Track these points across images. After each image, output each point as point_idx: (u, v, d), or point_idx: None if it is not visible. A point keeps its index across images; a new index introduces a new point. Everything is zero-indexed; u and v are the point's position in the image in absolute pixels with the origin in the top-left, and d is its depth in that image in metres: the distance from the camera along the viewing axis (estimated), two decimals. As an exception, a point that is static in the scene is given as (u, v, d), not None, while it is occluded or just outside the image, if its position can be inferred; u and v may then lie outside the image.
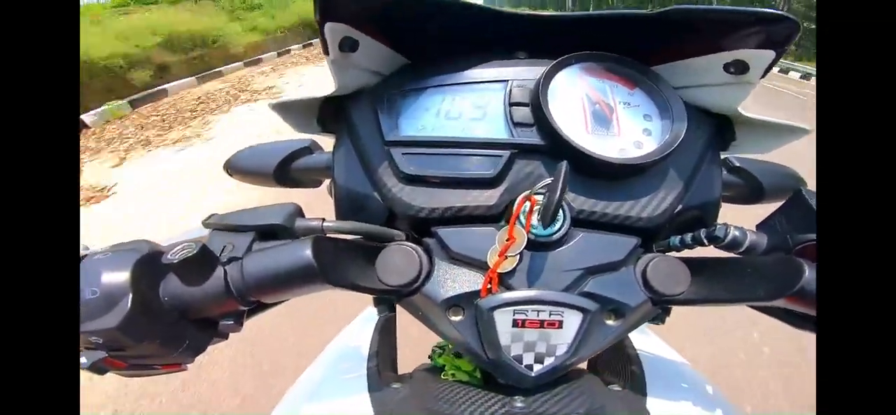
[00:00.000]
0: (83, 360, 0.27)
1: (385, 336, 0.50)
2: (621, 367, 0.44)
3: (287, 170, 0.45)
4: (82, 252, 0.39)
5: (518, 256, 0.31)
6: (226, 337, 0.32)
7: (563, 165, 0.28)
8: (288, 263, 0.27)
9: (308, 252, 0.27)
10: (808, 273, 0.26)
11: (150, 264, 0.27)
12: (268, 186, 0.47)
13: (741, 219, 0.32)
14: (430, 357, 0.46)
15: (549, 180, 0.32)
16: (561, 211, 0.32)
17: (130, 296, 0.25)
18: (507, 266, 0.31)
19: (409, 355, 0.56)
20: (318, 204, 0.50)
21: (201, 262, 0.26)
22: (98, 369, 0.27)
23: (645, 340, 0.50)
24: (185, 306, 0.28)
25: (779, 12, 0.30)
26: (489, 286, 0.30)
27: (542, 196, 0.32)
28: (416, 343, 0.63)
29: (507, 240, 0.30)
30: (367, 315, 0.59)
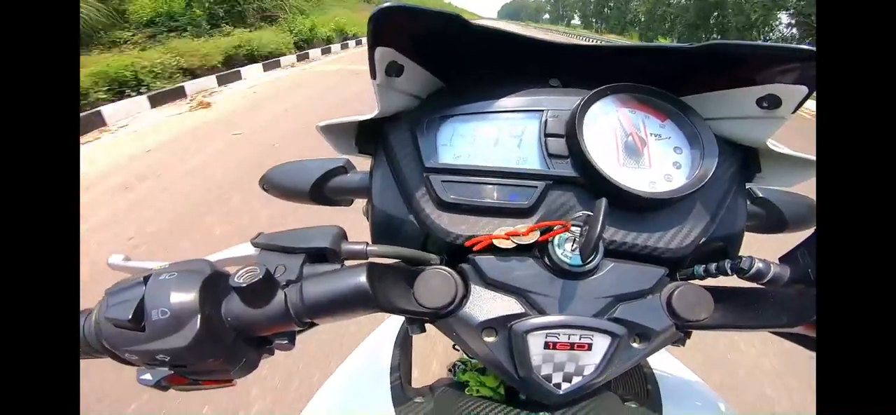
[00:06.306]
0: (148, 377, 0.29)
1: (404, 350, 0.52)
2: (638, 385, 0.46)
3: (322, 188, 0.46)
4: (120, 262, 0.39)
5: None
6: (272, 353, 0.34)
7: (603, 202, 0.29)
8: (344, 289, 0.29)
9: (363, 279, 0.29)
10: None
11: (214, 286, 0.29)
12: (302, 203, 0.48)
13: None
14: (450, 371, 0.47)
15: (583, 213, 0.34)
16: None
17: (199, 317, 0.27)
18: (504, 243, 0.34)
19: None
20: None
21: (265, 286, 0.28)
22: (162, 386, 0.29)
23: (660, 358, 0.52)
24: (244, 327, 0.29)
25: (814, 49, 0.30)
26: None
27: (577, 227, 0.33)
28: (420, 356, 0.64)
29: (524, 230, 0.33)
30: (383, 328, 0.60)
